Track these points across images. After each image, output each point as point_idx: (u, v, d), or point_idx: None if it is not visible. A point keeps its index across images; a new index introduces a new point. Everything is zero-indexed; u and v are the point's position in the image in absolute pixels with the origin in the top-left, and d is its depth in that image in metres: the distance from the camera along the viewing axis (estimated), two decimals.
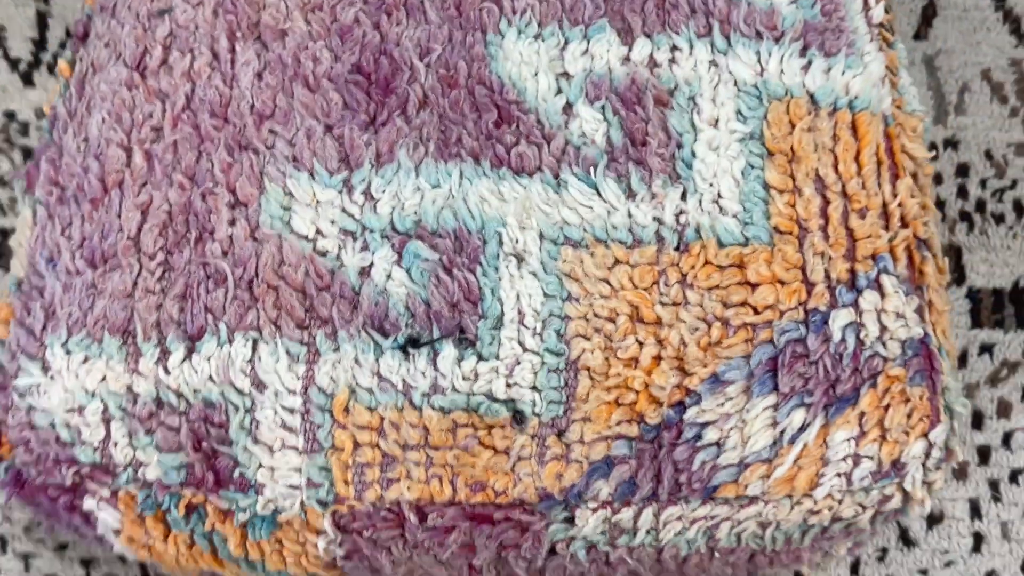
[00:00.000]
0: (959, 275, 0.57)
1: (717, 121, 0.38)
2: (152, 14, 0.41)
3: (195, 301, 0.37)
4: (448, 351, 0.36)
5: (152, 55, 0.40)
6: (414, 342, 0.36)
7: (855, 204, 0.38)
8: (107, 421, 0.37)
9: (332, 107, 0.38)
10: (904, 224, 0.38)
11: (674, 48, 0.39)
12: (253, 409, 0.37)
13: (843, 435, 0.36)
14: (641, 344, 0.36)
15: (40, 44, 0.62)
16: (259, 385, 0.37)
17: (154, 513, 0.37)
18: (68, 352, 0.37)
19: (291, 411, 0.36)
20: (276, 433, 0.36)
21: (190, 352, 0.37)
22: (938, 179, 0.59)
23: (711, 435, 0.36)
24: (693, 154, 0.38)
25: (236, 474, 0.37)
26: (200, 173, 0.38)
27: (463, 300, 0.36)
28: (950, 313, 0.56)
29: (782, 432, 0.36)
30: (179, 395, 0.37)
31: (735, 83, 0.39)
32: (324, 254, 0.37)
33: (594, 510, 0.37)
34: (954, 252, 0.57)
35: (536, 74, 0.38)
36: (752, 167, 0.38)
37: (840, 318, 0.36)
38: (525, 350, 0.36)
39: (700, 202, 0.37)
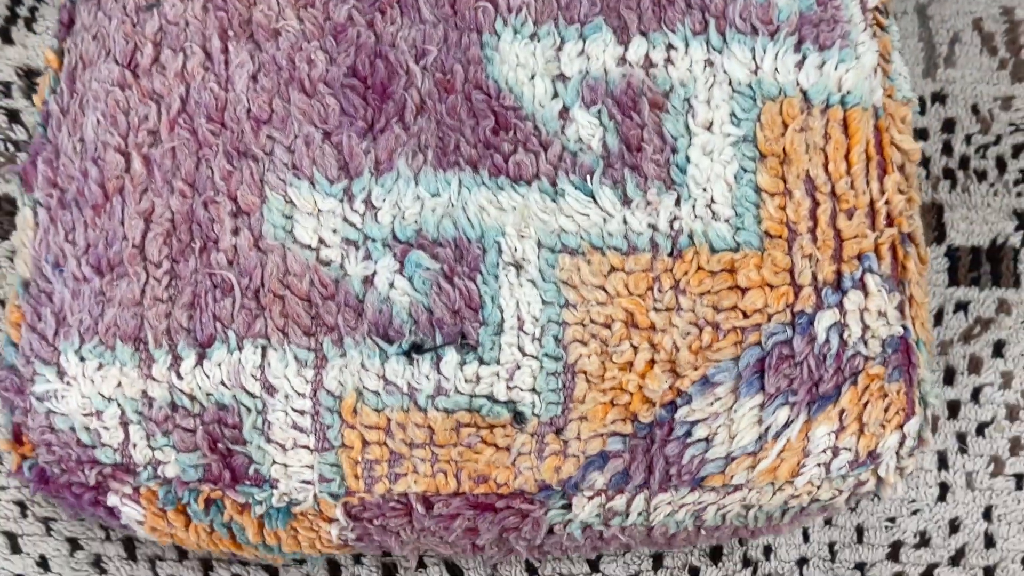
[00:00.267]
0: (939, 233, 0.58)
1: (711, 124, 0.39)
2: (140, 8, 0.40)
3: (203, 310, 0.38)
4: (451, 356, 0.38)
5: (143, 53, 0.40)
6: (418, 348, 0.38)
7: (843, 204, 0.39)
8: (125, 424, 0.38)
9: (330, 113, 0.38)
10: (890, 221, 0.40)
11: (670, 47, 0.39)
12: (265, 411, 0.38)
13: (824, 430, 0.38)
14: (636, 349, 0.38)
15: None
16: (270, 389, 0.38)
17: (175, 507, 0.39)
18: (82, 359, 0.38)
19: (301, 413, 0.38)
20: (288, 433, 0.38)
21: (201, 358, 0.38)
22: (924, 135, 0.59)
23: (700, 432, 0.38)
24: (687, 159, 0.38)
25: (251, 470, 0.39)
26: (200, 180, 0.38)
27: (464, 307, 0.38)
28: (931, 272, 0.58)
29: (767, 429, 0.38)
30: (193, 399, 0.38)
31: (730, 83, 0.39)
32: (328, 263, 0.38)
33: (590, 498, 0.39)
34: (936, 210, 0.58)
35: (533, 77, 0.39)
36: (745, 171, 0.38)
37: (825, 319, 0.38)
38: (525, 355, 0.38)
39: (694, 207, 0.38)
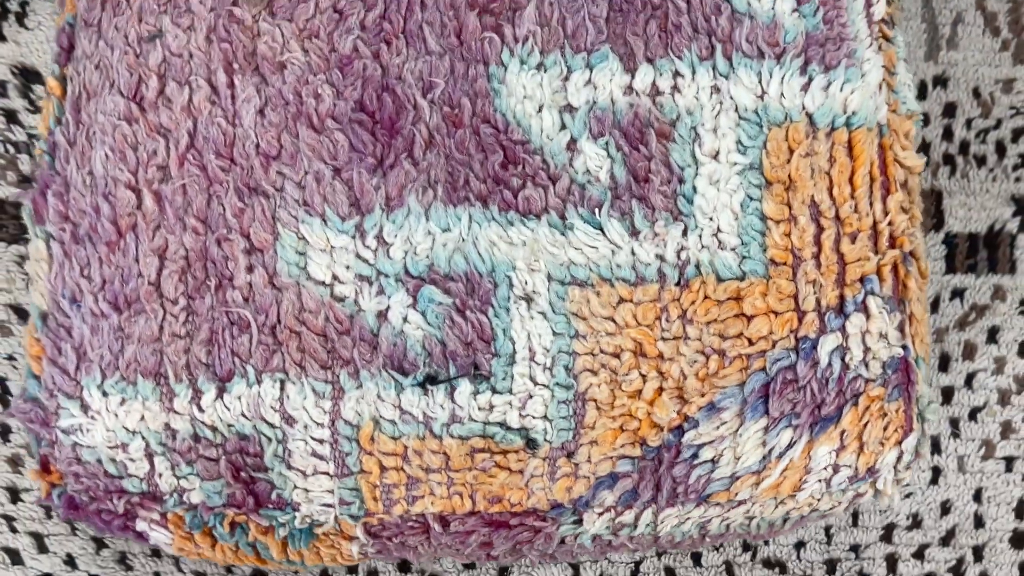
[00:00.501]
0: (938, 220, 0.59)
1: (718, 153, 0.39)
2: (142, 38, 0.40)
3: (222, 346, 0.39)
4: (464, 387, 0.39)
5: (148, 85, 0.40)
6: (432, 379, 0.39)
7: (847, 228, 0.40)
8: (150, 456, 0.40)
9: (339, 149, 0.38)
10: (892, 242, 0.40)
11: (676, 74, 0.39)
12: (285, 440, 0.40)
13: (825, 449, 0.40)
14: (644, 377, 0.39)
15: None
16: (289, 420, 0.39)
17: (201, 530, 0.41)
18: (105, 394, 0.39)
19: (320, 441, 0.40)
20: (308, 461, 0.40)
21: (221, 392, 0.39)
22: (925, 120, 0.59)
23: (706, 454, 0.39)
24: (694, 189, 0.39)
25: (273, 495, 0.40)
26: (213, 217, 0.39)
27: (477, 340, 0.39)
28: (928, 260, 0.59)
29: (771, 450, 0.39)
30: (214, 430, 0.39)
31: (736, 109, 0.39)
32: (342, 300, 0.39)
33: (600, 514, 0.41)
34: (935, 197, 0.59)
35: (540, 110, 0.39)
36: (751, 199, 0.39)
37: (828, 343, 0.39)
38: (536, 384, 0.39)
39: (700, 237, 0.39)
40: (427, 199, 0.38)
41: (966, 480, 0.56)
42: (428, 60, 0.39)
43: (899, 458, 0.40)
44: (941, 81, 0.60)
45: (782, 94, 0.39)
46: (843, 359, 0.39)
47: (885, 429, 0.40)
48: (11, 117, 0.58)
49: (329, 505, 0.40)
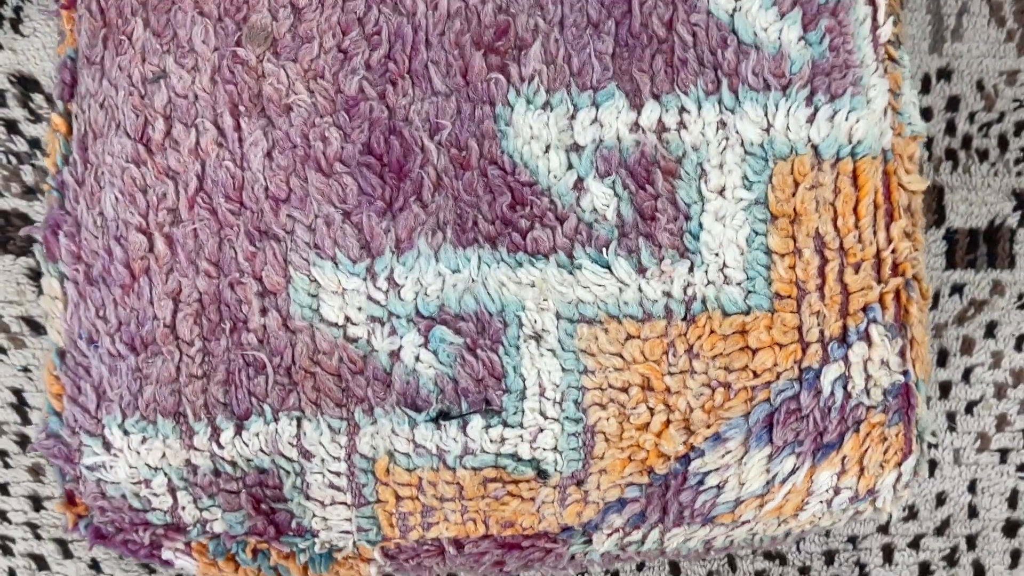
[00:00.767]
0: (939, 216, 0.59)
1: (724, 189, 0.39)
2: (146, 79, 0.40)
3: (239, 387, 0.40)
4: (476, 421, 0.40)
5: (154, 127, 0.40)
6: (445, 415, 0.40)
7: (851, 258, 0.40)
8: (172, 490, 0.41)
9: (348, 193, 0.39)
10: (895, 269, 0.41)
11: (682, 110, 0.39)
12: (303, 473, 0.41)
13: (827, 474, 0.41)
14: (652, 411, 0.40)
15: None
16: (306, 455, 0.40)
17: (224, 557, 0.42)
18: (126, 432, 0.40)
19: (337, 474, 0.41)
20: (326, 492, 0.41)
21: (239, 429, 0.40)
22: (928, 115, 0.59)
23: (712, 480, 0.41)
24: (700, 226, 0.39)
25: (294, 523, 0.42)
26: (225, 261, 0.39)
27: (488, 377, 0.39)
28: (928, 256, 0.60)
29: (774, 476, 0.41)
30: (234, 465, 0.41)
31: (742, 143, 0.39)
32: (355, 340, 0.39)
33: (608, 535, 0.42)
34: (936, 192, 0.59)
35: (547, 150, 0.39)
36: (756, 233, 0.39)
37: (831, 373, 0.40)
38: (546, 418, 0.40)
39: (706, 273, 0.39)
40: (437, 241, 0.39)
41: (961, 472, 0.58)
42: (434, 101, 0.39)
43: (898, 479, 0.42)
44: (945, 74, 0.59)
45: (788, 127, 0.40)
46: (845, 387, 0.40)
47: (885, 452, 0.41)
48: (12, 127, 0.58)
49: (347, 532, 0.42)
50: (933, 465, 0.58)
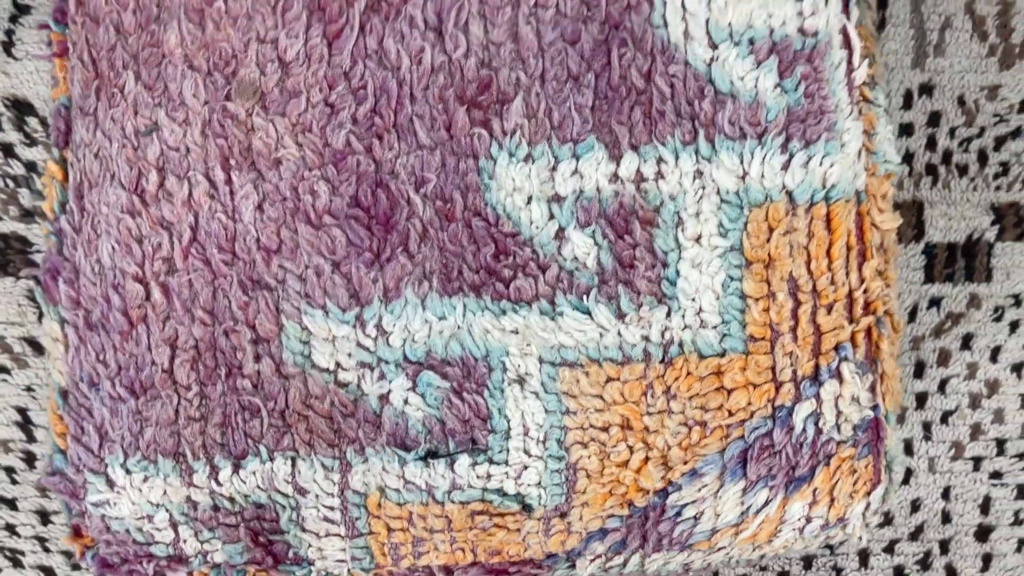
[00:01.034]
0: (918, 231, 0.60)
1: (700, 237, 0.41)
2: (139, 132, 0.41)
3: (235, 429, 0.41)
4: (463, 459, 0.42)
5: (148, 179, 0.41)
6: (433, 454, 0.42)
7: (824, 300, 0.42)
8: (174, 525, 0.43)
9: (337, 244, 0.40)
10: (867, 308, 0.43)
11: (660, 160, 0.40)
12: (298, 508, 0.43)
13: (799, 505, 0.43)
14: (631, 449, 0.42)
15: None
16: (301, 491, 0.42)
17: None
18: (128, 472, 0.42)
19: (331, 508, 0.43)
20: (320, 525, 0.43)
21: (237, 468, 0.42)
22: (909, 130, 0.60)
23: (689, 512, 0.43)
24: (677, 272, 0.41)
25: (291, 553, 0.44)
26: (219, 309, 0.41)
27: (474, 418, 0.41)
28: (907, 270, 0.61)
29: (748, 507, 0.43)
30: (232, 500, 0.43)
31: (718, 192, 0.41)
32: (345, 385, 0.41)
33: (591, 560, 0.45)
34: (916, 207, 0.60)
35: (529, 202, 0.40)
36: (731, 279, 0.41)
37: (803, 411, 0.42)
38: (531, 456, 0.42)
39: (683, 318, 0.41)
40: (423, 290, 0.40)
41: (936, 480, 0.60)
42: (420, 154, 0.40)
43: (867, 507, 0.44)
44: (927, 89, 0.60)
45: (763, 174, 0.41)
46: (817, 424, 0.42)
47: (855, 483, 0.43)
48: (8, 151, 0.59)
49: (342, 560, 0.44)
50: (909, 473, 0.60)
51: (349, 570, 0.44)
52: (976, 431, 0.60)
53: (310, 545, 0.43)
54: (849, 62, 0.43)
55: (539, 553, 0.44)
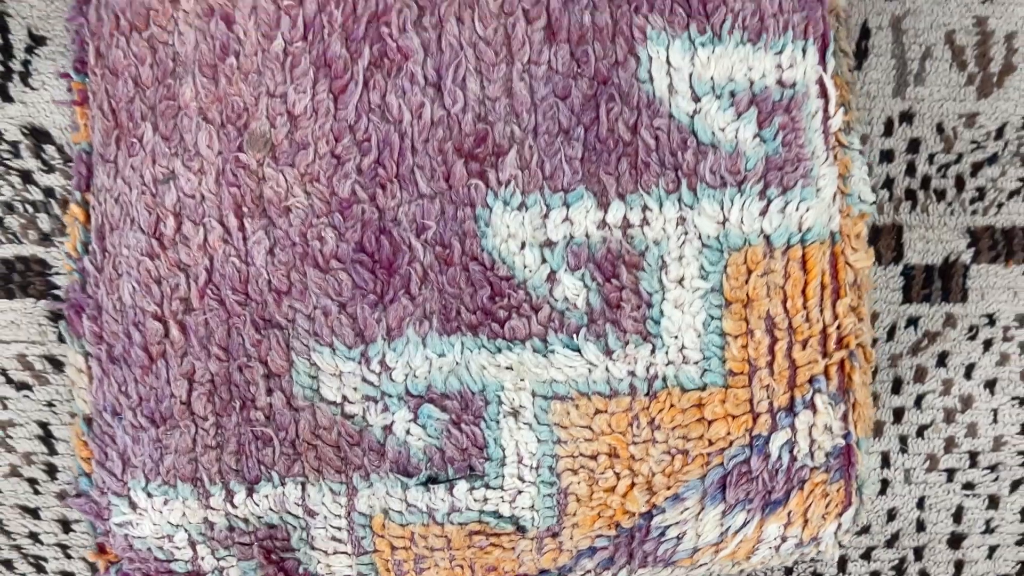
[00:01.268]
0: (897, 253, 0.63)
1: (683, 279, 0.43)
2: (157, 180, 0.44)
3: (249, 457, 0.44)
4: (462, 485, 0.45)
5: (166, 224, 0.44)
6: (433, 480, 0.45)
7: (799, 336, 0.45)
8: (192, 544, 0.46)
9: (343, 287, 0.43)
10: (840, 343, 0.45)
11: (645, 208, 0.43)
12: (308, 528, 0.46)
13: (775, 526, 0.46)
14: (618, 476, 0.45)
15: (5, 50, 0.61)
16: (311, 513, 0.45)
17: None
18: (149, 495, 0.45)
19: (338, 528, 0.46)
20: (329, 543, 0.46)
21: (251, 492, 0.45)
22: (890, 156, 0.63)
23: (672, 532, 0.46)
24: (661, 312, 0.43)
25: (301, 569, 0.47)
26: (233, 346, 0.44)
27: (471, 447, 0.44)
28: (886, 291, 0.64)
29: (727, 528, 0.46)
30: (246, 521, 0.46)
31: (699, 237, 0.43)
32: (351, 417, 0.44)
33: (582, 575, 0.48)
34: (896, 231, 0.63)
35: (522, 247, 0.43)
36: (712, 318, 0.44)
37: (778, 439, 0.45)
38: (524, 482, 0.45)
39: (667, 354, 0.44)
40: (424, 329, 0.43)
41: (911, 490, 0.63)
42: (420, 203, 0.43)
43: (839, 527, 0.47)
44: (907, 117, 0.63)
45: (742, 220, 0.44)
46: (791, 451, 0.45)
47: (827, 506, 0.46)
48: (27, 177, 0.61)
49: None
50: (885, 484, 0.63)
51: None
52: (950, 444, 0.63)
53: (319, 562, 0.47)
54: (825, 110, 0.45)
55: (533, 569, 0.47)
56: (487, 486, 0.45)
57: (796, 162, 0.44)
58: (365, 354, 0.44)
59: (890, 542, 0.63)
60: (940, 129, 0.63)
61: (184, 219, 0.43)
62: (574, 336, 0.43)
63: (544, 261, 0.43)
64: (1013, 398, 0.63)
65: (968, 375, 0.63)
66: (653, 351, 0.44)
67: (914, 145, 0.63)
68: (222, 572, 0.47)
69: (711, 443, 0.45)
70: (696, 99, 0.43)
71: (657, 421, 0.44)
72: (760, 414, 0.45)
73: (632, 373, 0.44)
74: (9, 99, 0.61)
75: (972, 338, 0.63)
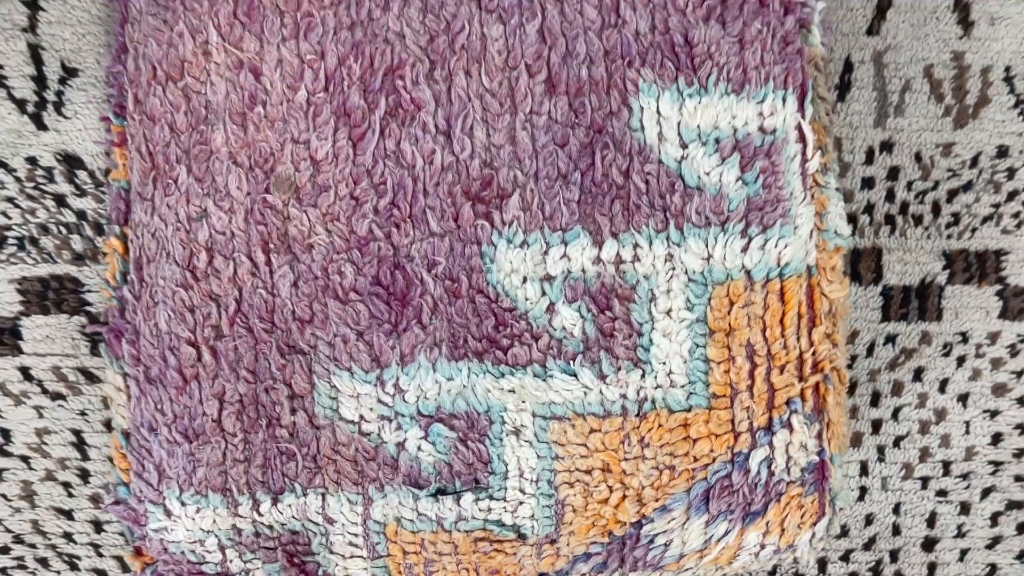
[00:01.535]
0: (877, 275, 0.67)
1: (670, 311, 0.48)
2: (191, 217, 0.48)
3: (274, 470, 0.49)
4: (468, 496, 0.49)
5: (199, 258, 0.48)
6: (442, 492, 0.49)
7: (777, 362, 0.49)
8: (222, 548, 0.50)
9: (361, 317, 0.47)
10: (815, 367, 0.50)
11: (636, 246, 0.47)
12: (327, 534, 0.50)
13: (754, 534, 0.50)
14: (611, 489, 0.49)
15: (40, 81, 0.65)
16: (330, 520, 0.50)
17: None
18: (183, 504, 0.50)
19: (355, 535, 0.50)
20: (346, 548, 0.51)
21: (275, 502, 0.49)
22: (871, 184, 0.67)
23: (660, 540, 0.50)
24: (651, 341, 0.48)
25: (320, 572, 0.51)
26: (260, 370, 0.48)
27: (477, 462, 0.49)
28: (866, 310, 0.68)
29: (711, 536, 0.50)
30: (271, 528, 0.50)
31: (686, 272, 0.48)
32: (368, 434, 0.48)
33: None
34: (876, 254, 0.67)
35: (524, 281, 0.47)
36: (697, 346, 0.48)
37: (757, 456, 0.49)
38: (525, 494, 0.49)
39: (655, 379, 0.48)
40: (434, 356, 0.47)
41: (887, 496, 0.67)
42: (431, 241, 0.47)
43: (813, 536, 0.51)
44: (887, 146, 0.67)
45: (725, 256, 0.48)
46: (769, 467, 0.49)
47: (802, 516, 0.50)
48: (60, 201, 0.65)
49: None
50: (863, 491, 0.68)
51: None
52: (925, 454, 0.67)
53: (337, 565, 0.51)
54: (803, 154, 0.49)
55: (532, 573, 0.51)
56: (491, 497, 0.49)
57: (775, 202, 0.48)
58: (380, 378, 0.48)
59: (867, 545, 0.68)
60: (918, 158, 0.67)
61: (215, 254, 0.48)
62: (571, 362, 0.48)
63: (544, 294, 0.47)
64: (984, 411, 0.67)
65: (942, 389, 0.67)
66: (643, 376, 0.48)
67: (894, 173, 0.67)
68: (248, 574, 0.51)
69: (696, 459, 0.49)
70: (683, 146, 0.47)
71: (647, 439, 0.49)
72: (741, 433, 0.49)
73: (624, 396, 0.48)
74: (44, 127, 0.65)
75: (946, 355, 0.67)
